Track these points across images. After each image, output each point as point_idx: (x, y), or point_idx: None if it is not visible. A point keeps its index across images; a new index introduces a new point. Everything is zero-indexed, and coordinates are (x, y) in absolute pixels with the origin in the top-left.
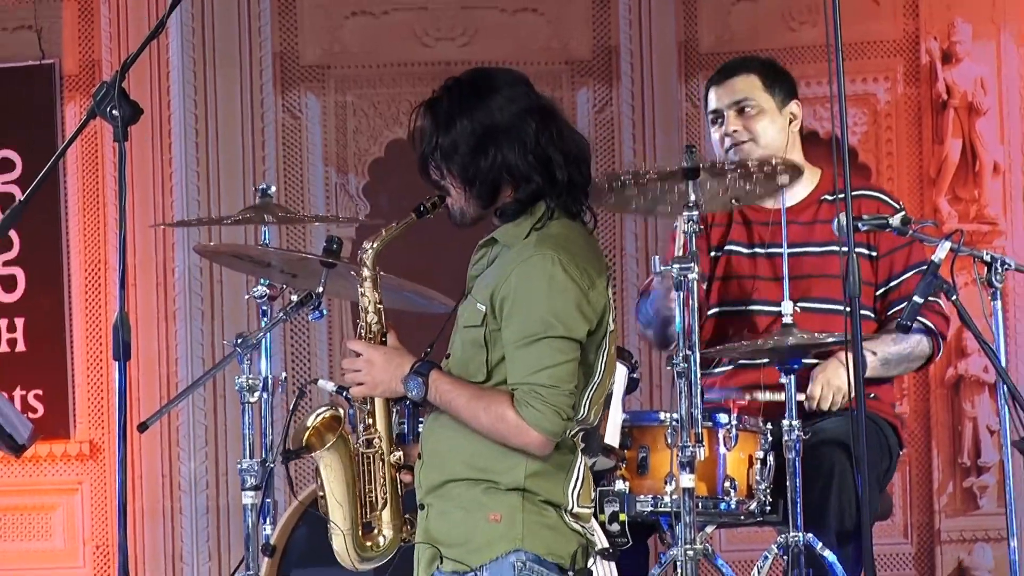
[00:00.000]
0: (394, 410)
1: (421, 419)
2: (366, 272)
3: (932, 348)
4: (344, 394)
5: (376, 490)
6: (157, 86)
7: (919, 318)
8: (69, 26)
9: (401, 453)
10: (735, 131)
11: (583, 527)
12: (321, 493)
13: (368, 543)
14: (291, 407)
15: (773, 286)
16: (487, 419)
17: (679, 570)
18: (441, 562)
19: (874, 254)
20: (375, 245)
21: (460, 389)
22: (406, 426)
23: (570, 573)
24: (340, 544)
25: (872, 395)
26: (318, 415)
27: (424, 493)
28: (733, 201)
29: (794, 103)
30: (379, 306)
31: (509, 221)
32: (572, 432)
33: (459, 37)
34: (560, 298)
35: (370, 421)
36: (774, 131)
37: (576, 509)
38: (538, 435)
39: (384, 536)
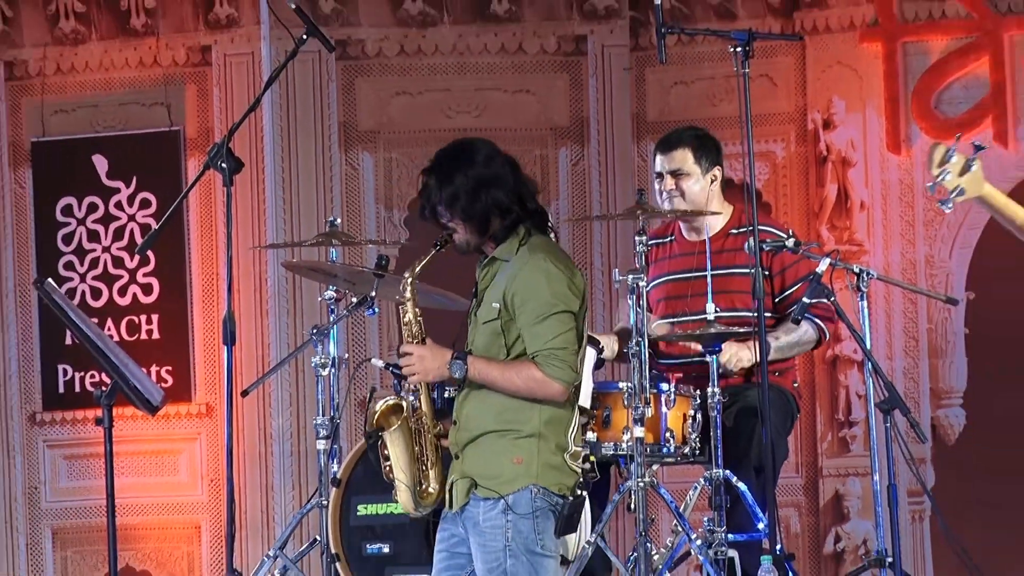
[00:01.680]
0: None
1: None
2: (408, 294)
3: (818, 333)
4: (392, 369)
5: (427, 455)
6: (254, 146)
7: (808, 314)
8: (190, 102)
9: (440, 427)
10: (671, 190)
11: (578, 466)
12: (387, 462)
13: (423, 495)
14: (350, 377)
15: (698, 300)
16: (520, 380)
17: (633, 496)
18: (475, 488)
19: (767, 273)
20: (412, 275)
21: (493, 364)
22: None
23: (570, 497)
24: (404, 496)
25: (776, 372)
26: (384, 402)
27: (460, 447)
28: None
29: (716, 168)
30: (419, 317)
31: (502, 243)
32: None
33: (473, 111)
34: (557, 284)
35: (418, 404)
36: (698, 189)
37: (572, 449)
38: (559, 386)
39: (433, 489)
